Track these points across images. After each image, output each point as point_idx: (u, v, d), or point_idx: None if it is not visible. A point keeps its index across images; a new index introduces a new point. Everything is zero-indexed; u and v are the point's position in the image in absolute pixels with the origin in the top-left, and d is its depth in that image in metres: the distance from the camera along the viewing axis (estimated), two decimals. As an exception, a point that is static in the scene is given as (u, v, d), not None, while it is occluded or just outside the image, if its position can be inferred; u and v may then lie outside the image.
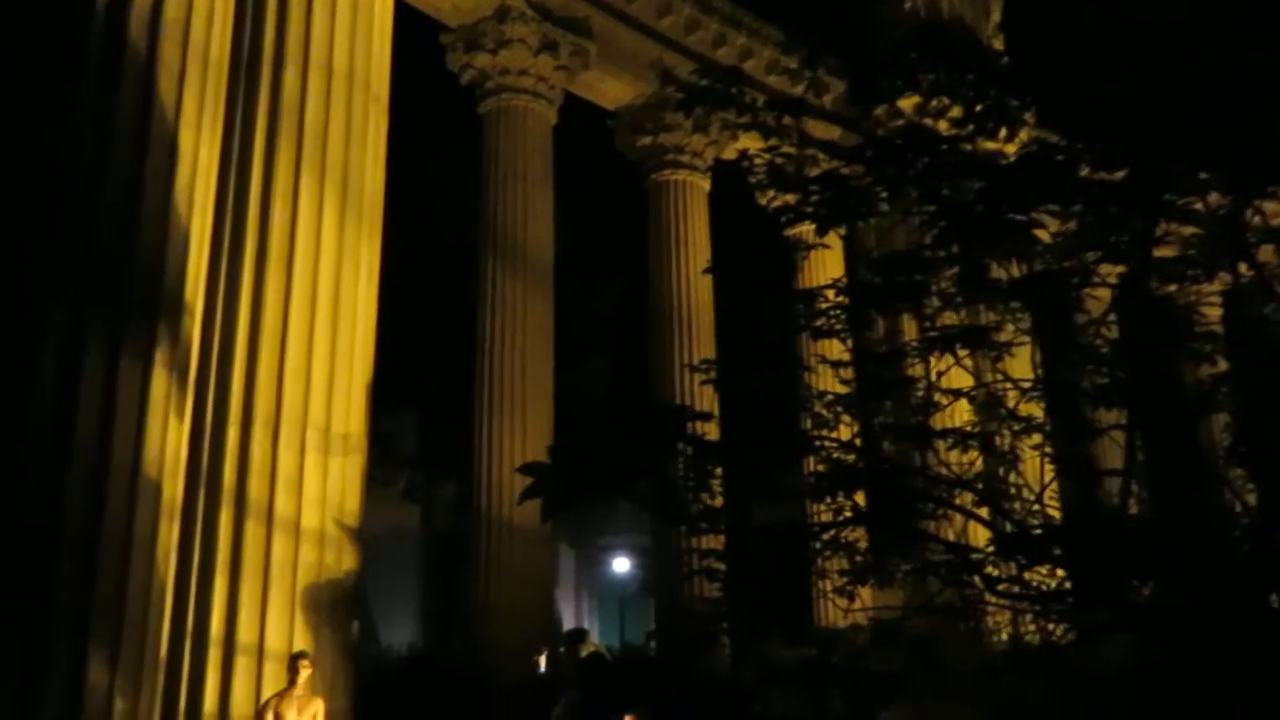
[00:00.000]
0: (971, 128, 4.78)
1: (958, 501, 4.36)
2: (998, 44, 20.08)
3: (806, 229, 16.50)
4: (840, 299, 4.29)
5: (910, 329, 4.75)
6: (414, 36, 13.89)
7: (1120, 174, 4.07)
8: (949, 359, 4.74)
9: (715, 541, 8.43)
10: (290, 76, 8.19)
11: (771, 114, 4.34)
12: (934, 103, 6.12)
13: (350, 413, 8.15)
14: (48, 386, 5.81)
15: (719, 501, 4.76)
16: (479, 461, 14.09)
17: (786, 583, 6.05)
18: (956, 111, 5.05)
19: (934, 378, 4.48)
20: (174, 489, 6.68)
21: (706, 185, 17.68)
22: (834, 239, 12.93)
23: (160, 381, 6.29)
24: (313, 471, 7.80)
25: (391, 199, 9.10)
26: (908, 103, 16.55)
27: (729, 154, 18.17)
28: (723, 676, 12.41)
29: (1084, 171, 3.81)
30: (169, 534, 6.64)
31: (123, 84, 6.45)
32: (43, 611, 5.78)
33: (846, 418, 4.98)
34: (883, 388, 4.48)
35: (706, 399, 15.31)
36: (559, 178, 15.48)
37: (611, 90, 17.15)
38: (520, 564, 13.52)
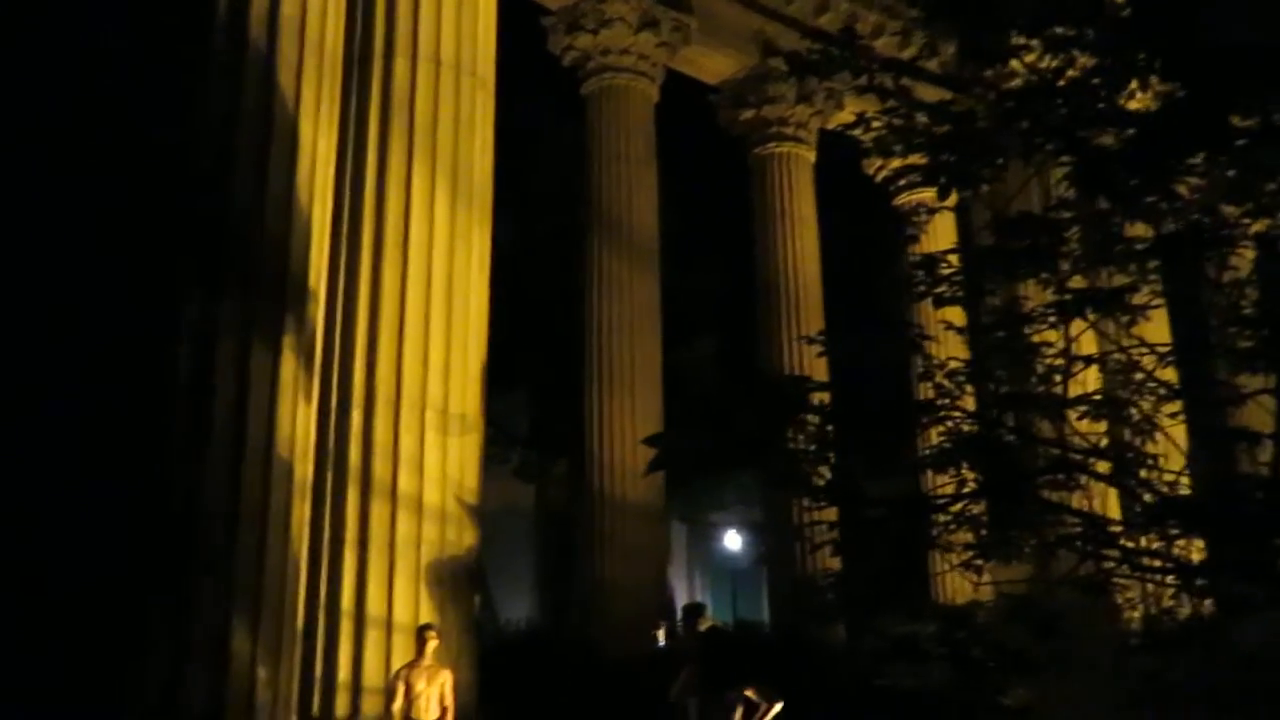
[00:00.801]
0: (1098, 81, 4.56)
1: (1093, 471, 4.19)
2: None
3: (918, 196, 16.03)
4: (961, 264, 4.15)
5: (1036, 294, 4.57)
6: (516, 20, 14.02)
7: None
8: (1078, 324, 4.54)
9: (830, 514, 8.33)
10: (400, 67, 8.40)
11: (889, 75, 4.20)
12: (1049, 59, 5.83)
13: (466, 393, 8.34)
14: (185, 371, 6.11)
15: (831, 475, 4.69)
16: (590, 439, 14.26)
17: (906, 556, 5.94)
18: (1083, 63, 4.81)
19: (1063, 344, 4.30)
20: (304, 469, 6.96)
21: (812, 156, 17.38)
22: (945, 210, 12.56)
23: (289, 366, 6.55)
24: (432, 451, 8.03)
25: (499, 182, 9.25)
26: (1019, 63, 15.78)
27: (833, 124, 17.81)
28: (840, 651, 12.30)
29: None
30: (301, 512, 6.93)
31: (245, 80, 6.71)
32: (189, 583, 6.10)
33: (969, 388, 4.84)
34: (1010, 355, 4.32)
35: (817, 373, 15.15)
36: (662, 155, 15.44)
37: (713, 65, 16.99)
38: (633, 540, 13.65)
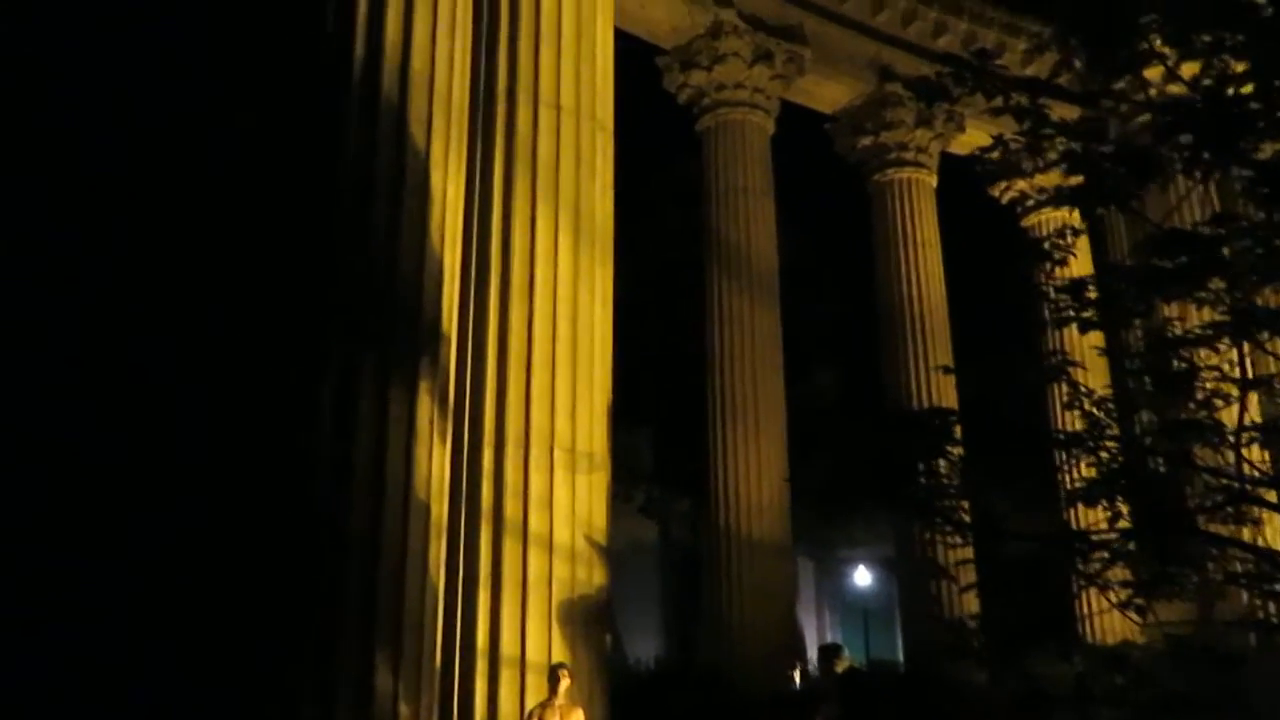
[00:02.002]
0: (1252, 88, 4.29)
1: (1265, 501, 3.89)
2: (1259, -3, 18.10)
3: (1047, 215, 15.38)
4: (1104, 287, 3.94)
5: (1190, 316, 4.30)
6: (631, 59, 14.25)
7: None
8: (1234, 347, 4.25)
9: (968, 550, 8.00)
10: (523, 114, 8.63)
11: (1024, 95, 4.06)
12: (1186, 66, 5.55)
13: (593, 431, 8.41)
14: (328, 417, 6.36)
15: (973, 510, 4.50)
16: (714, 475, 14.16)
17: (1055, 595, 5.64)
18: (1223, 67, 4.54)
19: (1226, 367, 4.02)
20: (440, 508, 7.12)
21: (933, 181, 17.02)
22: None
23: (424, 408, 6.74)
24: (561, 489, 8.10)
25: (619, 219, 9.36)
26: (1154, 72, 15.12)
27: (955, 147, 17.43)
28: (984, 693, 11.77)
29: None
30: (437, 551, 7.07)
31: (378, 133, 6.99)
32: (333, 619, 6.27)
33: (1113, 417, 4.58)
34: (1166, 380, 4.07)
35: (946, 402, 14.63)
36: (779, 185, 15.38)
37: (828, 93, 16.88)
38: (760, 577, 13.45)
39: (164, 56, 7.37)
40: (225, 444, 6.91)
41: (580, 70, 8.96)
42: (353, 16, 7.10)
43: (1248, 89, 3.70)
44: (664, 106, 15.93)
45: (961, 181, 17.25)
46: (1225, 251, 3.98)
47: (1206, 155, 3.48)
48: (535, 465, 8.07)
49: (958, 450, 3.72)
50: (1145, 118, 13.05)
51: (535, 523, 7.93)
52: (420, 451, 6.58)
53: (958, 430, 4.71)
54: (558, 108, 8.76)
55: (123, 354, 7.11)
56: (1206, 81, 4.73)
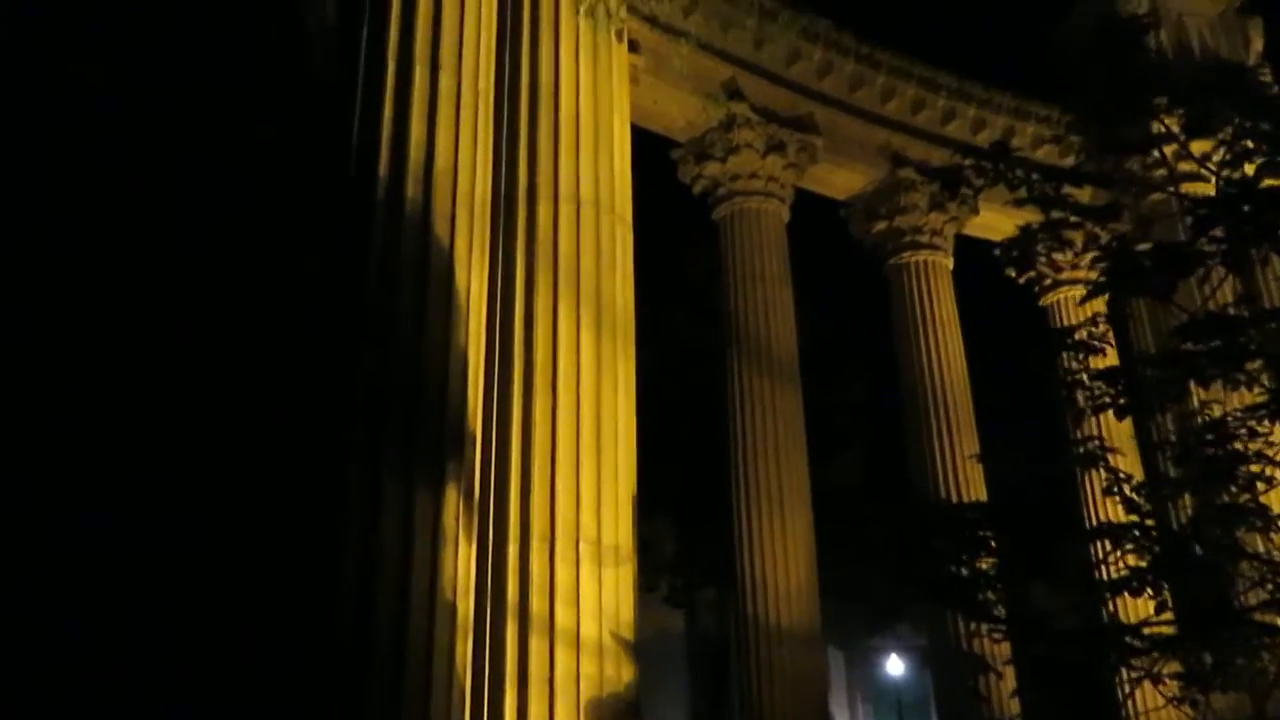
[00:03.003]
0: (1265, 165, 4.32)
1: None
2: (1265, 75, 18.36)
3: (1065, 294, 15.42)
4: (1142, 373, 3.90)
5: (1227, 400, 4.25)
6: (646, 152, 14.55)
7: None
8: (1277, 430, 4.18)
9: (1006, 645, 7.76)
10: (543, 209, 8.78)
11: (1049, 184, 4.10)
12: (1196, 144, 5.63)
13: (618, 524, 8.32)
14: (355, 521, 6.32)
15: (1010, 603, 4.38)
16: (740, 563, 13.93)
17: (1098, 688, 5.45)
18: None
19: (1269, 450, 3.94)
20: (466, 606, 7.00)
21: (949, 263, 17.12)
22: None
23: (450, 509, 6.69)
24: (587, 584, 7.98)
25: (639, 309, 9.43)
26: (1168, 149, 15.30)
27: (970, 230, 17.59)
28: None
29: None
30: (464, 649, 6.94)
31: (403, 232, 7.11)
32: (358, 715, 6.13)
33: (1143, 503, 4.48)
34: (1207, 465, 3.99)
35: (974, 485, 14.44)
36: (796, 270, 15.50)
37: (842, 180, 17.12)
38: (790, 667, 13.12)
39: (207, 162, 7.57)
40: (245, 550, 6.86)
41: (599, 166, 9.14)
42: (378, 123, 7.29)
43: (1273, 181, 3.73)
44: (680, 197, 16.20)
45: (979, 260, 17.39)
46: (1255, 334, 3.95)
47: (1250, 250, 3.48)
48: (561, 559, 7.97)
49: (993, 543, 3.64)
50: (1159, 196, 13.14)
51: (562, 618, 7.79)
52: (447, 554, 6.52)
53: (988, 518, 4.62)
54: (577, 202, 8.91)
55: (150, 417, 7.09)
56: (1218, 157, 4.77)
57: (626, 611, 8.19)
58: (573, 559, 8.00)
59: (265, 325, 7.12)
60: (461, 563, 6.83)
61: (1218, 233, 3.54)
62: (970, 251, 17.85)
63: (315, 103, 7.62)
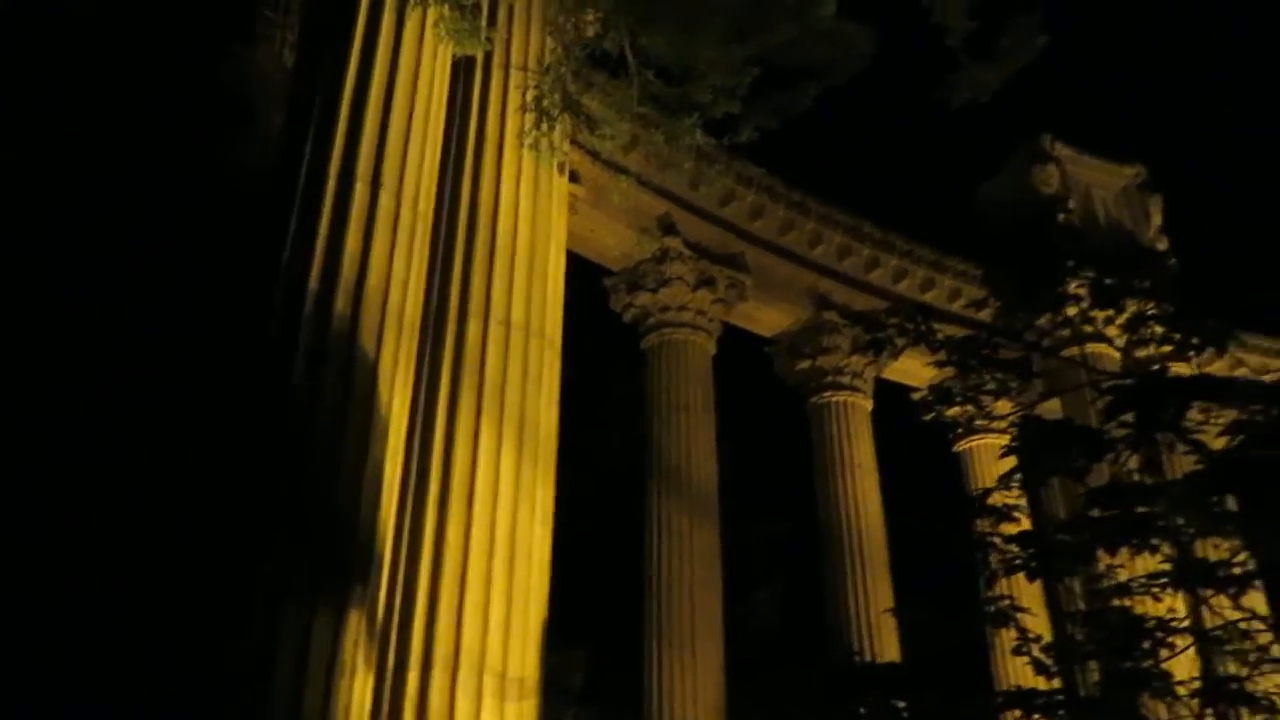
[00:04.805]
0: (1169, 348, 4.57)
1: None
2: (1162, 246, 19.65)
3: (979, 442, 15.73)
4: (1052, 537, 4.00)
5: (1132, 566, 4.36)
6: (578, 279, 14.77)
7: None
8: (1179, 597, 4.29)
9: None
10: (473, 329, 8.76)
11: (961, 350, 4.27)
12: (1100, 313, 5.97)
13: (526, 656, 8.03)
14: (250, 642, 6.01)
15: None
16: (649, 696, 13.57)
17: None
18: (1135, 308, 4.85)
19: (1167, 615, 4.04)
20: (358, 739, 6.64)
21: (869, 405, 17.51)
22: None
23: (351, 633, 6.42)
24: (489, 717, 7.64)
25: (563, 433, 9.37)
26: (1074, 310, 16.15)
27: (890, 374, 18.08)
28: None
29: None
30: (352, 788, 6.54)
31: (329, 346, 7.03)
32: None
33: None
34: (1116, 629, 4.06)
35: (886, 639, 14.41)
36: (720, 404, 15.68)
37: (768, 318, 17.56)
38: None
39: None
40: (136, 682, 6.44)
41: (531, 290, 9.20)
42: (314, 235, 7.29)
43: (1183, 368, 3.96)
44: (610, 324, 16.39)
45: (899, 401, 17.84)
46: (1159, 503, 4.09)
47: (1154, 434, 3.65)
48: (462, 690, 7.63)
49: (902, 708, 3.62)
50: (1071, 351, 13.77)
51: (459, 755, 7.41)
52: (343, 683, 6.20)
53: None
54: (508, 324, 8.92)
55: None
56: (1121, 341, 5.04)
57: (528, 750, 7.84)
58: (475, 690, 7.66)
59: (178, 438, 6.89)
60: (357, 692, 6.50)
61: (1127, 418, 3.72)
62: (890, 392, 18.34)
63: (250, 213, 7.60)
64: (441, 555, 7.98)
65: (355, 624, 6.45)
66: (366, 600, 6.69)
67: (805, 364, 17.42)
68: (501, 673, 7.84)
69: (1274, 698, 4.52)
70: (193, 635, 5.97)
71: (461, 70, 9.57)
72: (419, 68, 8.53)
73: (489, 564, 8.04)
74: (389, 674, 7.59)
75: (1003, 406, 6.20)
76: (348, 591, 6.42)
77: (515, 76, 9.59)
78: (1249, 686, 4.49)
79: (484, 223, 9.15)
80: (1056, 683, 4.41)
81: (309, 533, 6.37)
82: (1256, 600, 4.47)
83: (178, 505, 6.60)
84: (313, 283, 7.08)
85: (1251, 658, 4.56)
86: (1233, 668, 4.65)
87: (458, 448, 8.34)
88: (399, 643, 7.74)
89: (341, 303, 7.09)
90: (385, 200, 7.74)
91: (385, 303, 7.45)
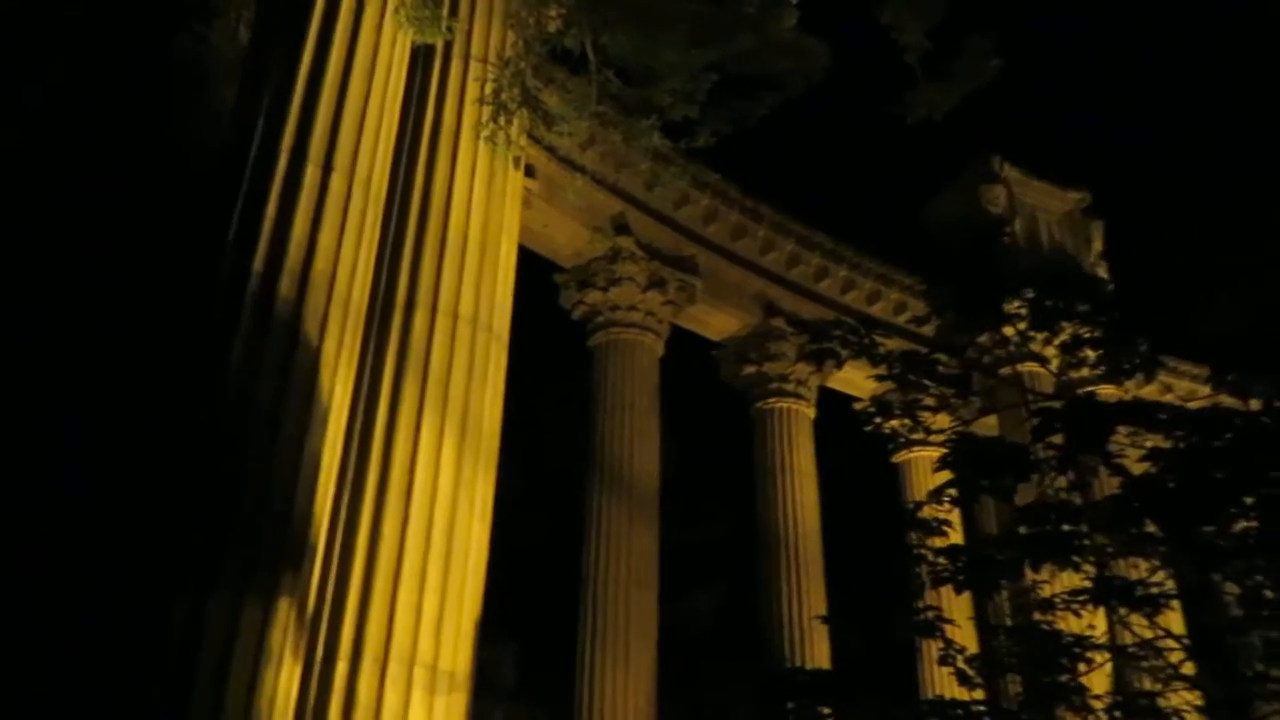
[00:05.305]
0: (1101, 370, 4.70)
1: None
2: (1101, 272, 20.18)
3: (917, 454, 15.99)
4: (981, 551, 4.10)
5: (1058, 582, 4.48)
6: (528, 274, 14.71)
7: None
8: (1099, 613, 4.42)
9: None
10: (419, 320, 8.67)
11: (902, 365, 4.35)
12: (1038, 334, 6.12)
13: (458, 650, 7.99)
14: (177, 627, 5.89)
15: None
16: (580, 696, 13.58)
17: None
18: (1077, 336, 4.99)
19: (1086, 631, 4.17)
20: (281, 729, 6.54)
21: (811, 413, 17.71)
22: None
23: (280, 623, 6.32)
24: (418, 710, 7.57)
25: (506, 428, 9.32)
26: (1011, 330, 16.54)
27: (833, 384, 18.30)
28: None
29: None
30: (275, 780, 6.44)
31: (271, 330, 6.91)
32: None
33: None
34: (1032, 643, 4.18)
35: (818, 635, 14.57)
36: (665, 406, 15.75)
37: (717, 322, 17.67)
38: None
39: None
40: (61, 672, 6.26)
41: (481, 283, 9.13)
42: (260, 216, 7.17)
43: (1112, 390, 4.09)
44: (559, 320, 16.36)
45: (841, 409, 18.07)
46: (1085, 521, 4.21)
47: (1080, 457, 3.76)
48: (391, 683, 7.56)
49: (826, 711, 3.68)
50: (1008, 369, 14.09)
51: (386, 748, 7.34)
52: (269, 671, 6.10)
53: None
54: (455, 316, 8.85)
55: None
56: (1056, 362, 5.17)
57: (456, 744, 7.79)
58: (404, 683, 7.60)
59: (109, 419, 6.72)
60: (284, 682, 6.40)
61: (1055, 439, 3.84)
62: (833, 400, 18.56)
63: (196, 189, 7.45)
64: (377, 546, 7.89)
65: (285, 613, 6.36)
66: (298, 589, 6.60)
67: (751, 369, 17.57)
68: (432, 665, 7.78)
69: (1184, 714, 4.68)
70: (110, 622, 5.82)
71: (420, 58, 9.47)
72: (377, 52, 8.41)
73: (425, 557, 7.97)
74: (317, 664, 7.50)
75: (941, 421, 6.37)
76: (278, 579, 6.32)
77: (475, 68, 9.52)
78: (1160, 702, 4.64)
79: (436, 213, 9.06)
80: (979, 694, 4.50)
81: (240, 519, 6.25)
82: (1172, 619, 4.61)
83: (102, 487, 6.44)
84: (257, 265, 6.96)
85: (1164, 675, 4.70)
86: (1146, 684, 4.80)
87: (398, 439, 8.26)
88: (329, 633, 7.65)
89: (286, 286, 6.98)
90: (337, 183, 7.64)
91: (331, 288, 7.35)
